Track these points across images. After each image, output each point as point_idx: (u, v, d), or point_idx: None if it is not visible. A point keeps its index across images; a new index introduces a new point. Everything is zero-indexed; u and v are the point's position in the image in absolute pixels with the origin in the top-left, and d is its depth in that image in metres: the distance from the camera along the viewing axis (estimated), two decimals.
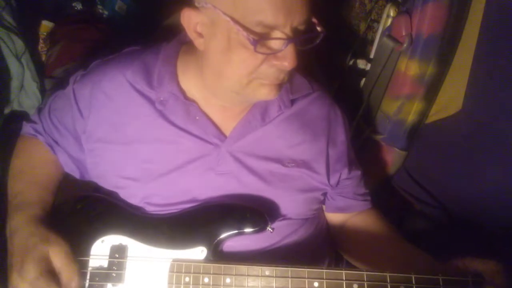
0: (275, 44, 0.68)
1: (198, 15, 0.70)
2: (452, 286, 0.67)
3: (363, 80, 1.35)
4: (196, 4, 0.70)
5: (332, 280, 0.70)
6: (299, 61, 0.69)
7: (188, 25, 0.72)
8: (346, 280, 0.70)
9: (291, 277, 0.71)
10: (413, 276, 0.68)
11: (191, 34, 0.73)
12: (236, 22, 0.65)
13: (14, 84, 1.30)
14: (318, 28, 0.71)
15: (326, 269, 0.71)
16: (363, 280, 0.69)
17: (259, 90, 0.74)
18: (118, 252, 0.77)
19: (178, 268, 0.75)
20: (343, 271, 0.70)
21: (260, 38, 0.66)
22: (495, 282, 0.66)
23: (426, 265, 0.77)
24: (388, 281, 0.69)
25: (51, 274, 0.70)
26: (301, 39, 0.69)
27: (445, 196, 1.12)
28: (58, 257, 0.71)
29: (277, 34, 0.67)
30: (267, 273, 0.72)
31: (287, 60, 0.68)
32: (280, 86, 0.76)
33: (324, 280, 0.70)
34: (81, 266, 0.74)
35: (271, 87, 0.74)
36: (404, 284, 0.68)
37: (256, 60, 0.69)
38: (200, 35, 0.72)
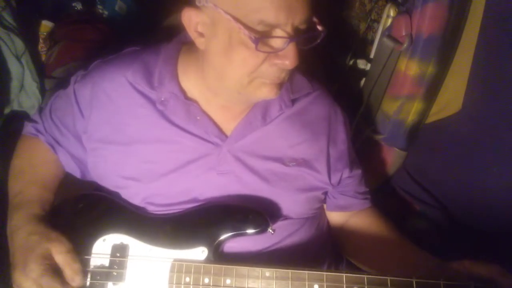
0: (276, 43, 0.68)
1: (199, 14, 0.70)
2: None
3: (363, 80, 1.35)
4: (197, 3, 0.70)
5: (333, 283, 0.70)
6: (300, 60, 0.69)
7: (189, 25, 0.72)
8: (346, 283, 0.69)
9: (291, 279, 0.71)
10: (414, 281, 0.68)
11: (191, 34, 0.73)
12: (238, 20, 0.65)
13: (14, 84, 1.30)
14: (319, 27, 0.71)
15: (326, 272, 0.71)
16: (364, 283, 0.69)
17: (260, 89, 0.74)
18: (119, 251, 0.78)
19: (178, 268, 0.75)
20: (344, 274, 0.70)
21: (261, 37, 0.66)
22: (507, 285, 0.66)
23: (425, 263, 0.77)
24: (389, 285, 0.68)
25: (55, 271, 0.70)
26: (302, 38, 0.69)
27: (445, 196, 1.12)
28: (61, 255, 0.72)
29: (278, 32, 0.67)
30: (267, 274, 0.72)
31: (288, 59, 0.68)
32: (280, 85, 0.76)
33: (325, 283, 0.70)
34: (83, 264, 0.75)
35: (272, 86, 0.74)
36: None
37: (257, 59, 0.69)
38: (201, 34, 0.72)
